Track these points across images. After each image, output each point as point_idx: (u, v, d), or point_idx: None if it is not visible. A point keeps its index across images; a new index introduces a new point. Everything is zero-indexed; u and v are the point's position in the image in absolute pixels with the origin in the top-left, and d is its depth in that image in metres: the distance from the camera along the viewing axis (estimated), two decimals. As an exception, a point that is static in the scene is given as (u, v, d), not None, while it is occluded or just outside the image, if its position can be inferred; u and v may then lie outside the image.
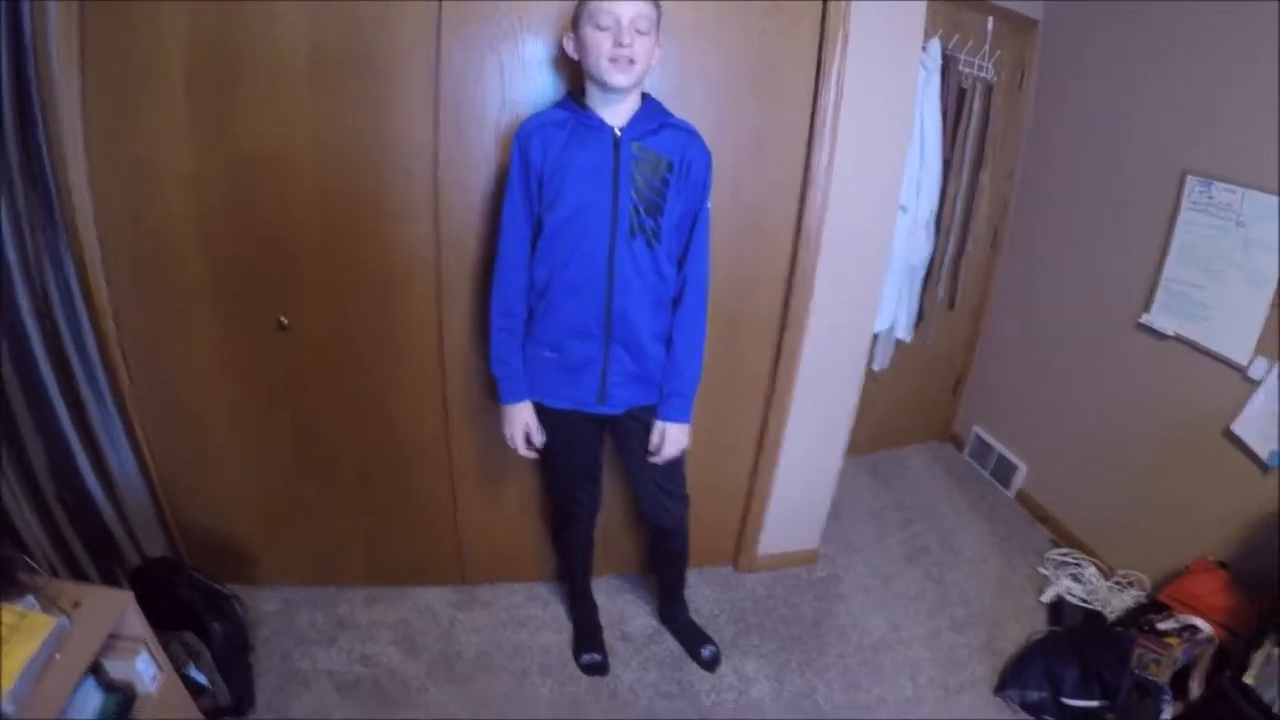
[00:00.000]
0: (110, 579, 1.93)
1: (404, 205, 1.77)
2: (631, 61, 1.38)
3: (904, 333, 2.73)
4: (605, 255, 1.51)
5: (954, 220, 2.76)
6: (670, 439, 1.70)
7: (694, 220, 1.59)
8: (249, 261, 1.81)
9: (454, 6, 1.59)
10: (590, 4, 1.37)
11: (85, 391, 1.83)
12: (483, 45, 1.64)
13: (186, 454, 2.03)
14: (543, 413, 1.71)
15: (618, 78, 1.39)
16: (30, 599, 1.38)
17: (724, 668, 2.08)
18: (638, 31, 1.36)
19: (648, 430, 1.72)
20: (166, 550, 2.08)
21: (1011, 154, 2.81)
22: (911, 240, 2.54)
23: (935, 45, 2.37)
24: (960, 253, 2.83)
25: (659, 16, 1.41)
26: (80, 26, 1.58)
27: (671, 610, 2.18)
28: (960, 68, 2.49)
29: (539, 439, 1.72)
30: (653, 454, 1.72)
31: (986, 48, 2.54)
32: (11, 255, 1.60)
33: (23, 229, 1.62)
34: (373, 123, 1.69)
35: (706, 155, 1.56)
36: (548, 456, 1.82)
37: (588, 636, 2.12)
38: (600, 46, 1.37)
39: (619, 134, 1.47)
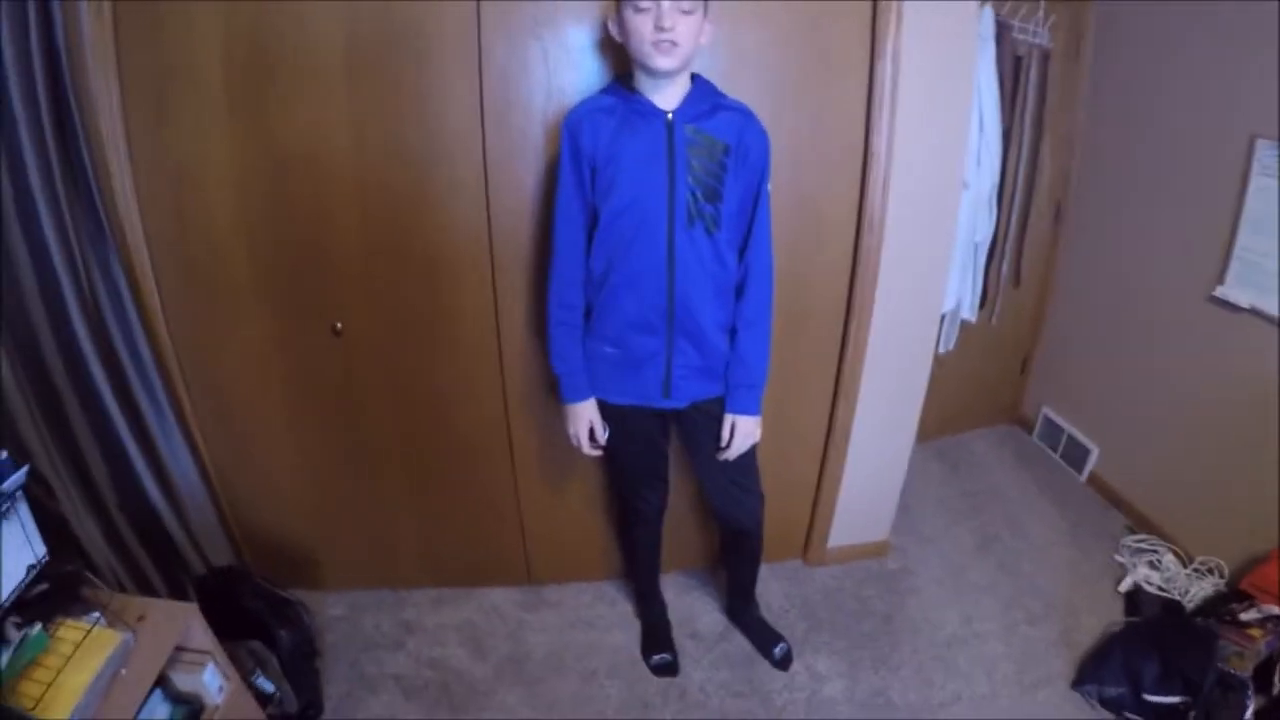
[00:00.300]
0: (177, 588, 1.93)
1: (451, 200, 1.73)
2: (675, 44, 1.31)
3: (969, 312, 2.64)
4: (664, 244, 1.45)
5: (1015, 194, 2.65)
6: (741, 432, 1.63)
7: (754, 205, 1.52)
8: (297, 263, 1.79)
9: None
10: None
11: (141, 399, 1.81)
12: (525, 31, 1.58)
13: (245, 459, 2.03)
14: (605, 409, 1.66)
15: (661, 61, 1.33)
16: (96, 615, 1.38)
17: (796, 666, 2.02)
18: (681, 12, 1.29)
19: (716, 424, 1.66)
20: (231, 557, 2.08)
21: (1072, 123, 2.69)
22: (974, 216, 2.44)
23: (988, 12, 2.26)
24: (1024, 227, 2.72)
25: None
26: (114, 31, 1.57)
27: (742, 608, 2.12)
28: (1015, 35, 2.38)
29: (603, 436, 1.67)
30: (723, 449, 1.66)
31: (1041, 13, 2.42)
32: (60, 266, 1.59)
33: (70, 239, 1.60)
34: (414, 116, 1.65)
35: (764, 137, 1.50)
36: (611, 454, 1.77)
37: (657, 636, 2.07)
38: (641, 30, 1.31)
39: (671, 118, 1.41)
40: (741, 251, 1.55)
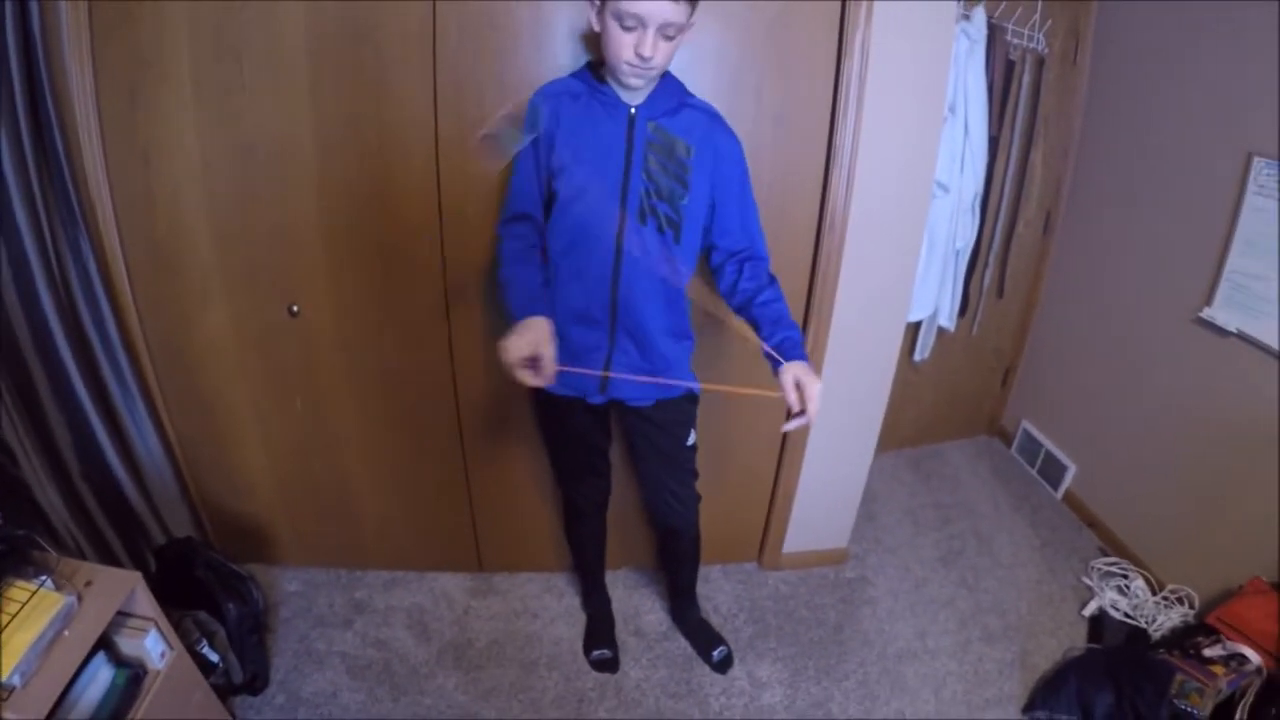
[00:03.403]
0: (137, 557, 2.00)
1: (405, 188, 1.74)
2: (651, 68, 1.28)
3: (947, 321, 2.58)
4: (613, 239, 1.42)
5: (1002, 202, 2.58)
6: (808, 380, 1.33)
7: (739, 203, 1.48)
8: (258, 246, 1.82)
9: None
10: None
11: (107, 374, 1.88)
12: (478, 24, 1.58)
13: (209, 435, 2.08)
14: (547, 400, 1.65)
15: (633, 81, 1.31)
16: (44, 578, 1.43)
17: (736, 670, 2.02)
18: (664, 38, 1.25)
19: (655, 426, 1.64)
20: (193, 530, 2.14)
21: (1065, 132, 2.60)
22: (955, 223, 2.39)
23: (980, 13, 2.20)
24: (1009, 237, 2.65)
25: (693, 8, 1.27)
26: (89, 19, 1.61)
27: (682, 609, 2.12)
28: (1008, 38, 2.31)
29: (551, 365, 1.29)
30: (798, 414, 1.34)
31: (1037, 17, 2.34)
32: (30, 246, 1.65)
33: (40, 221, 1.66)
34: (371, 105, 1.66)
35: (736, 143, 1.46)
36: (550, 446, 1.78)
37: (599, 631, 2.08)
38: (620, 47, 1.26)
39: (634, 113, 1.38)
40: (736, 251, 1.50)
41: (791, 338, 1.41)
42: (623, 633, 2.11)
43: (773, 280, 1.50)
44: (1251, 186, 1.97)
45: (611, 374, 1.54)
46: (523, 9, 1.57)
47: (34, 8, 1.55)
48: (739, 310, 1.50)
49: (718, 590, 2.27)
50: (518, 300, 1.40)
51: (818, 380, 1.34)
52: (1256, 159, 1.95)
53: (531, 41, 1.61)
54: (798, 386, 1.32)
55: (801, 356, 1.39)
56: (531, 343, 1.28)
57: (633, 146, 1.39)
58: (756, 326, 1.45)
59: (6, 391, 1.68)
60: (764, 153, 1.76)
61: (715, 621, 2.15)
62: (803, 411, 1.34)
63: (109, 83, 1.67)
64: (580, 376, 1.55)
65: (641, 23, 1.23)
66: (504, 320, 1.39)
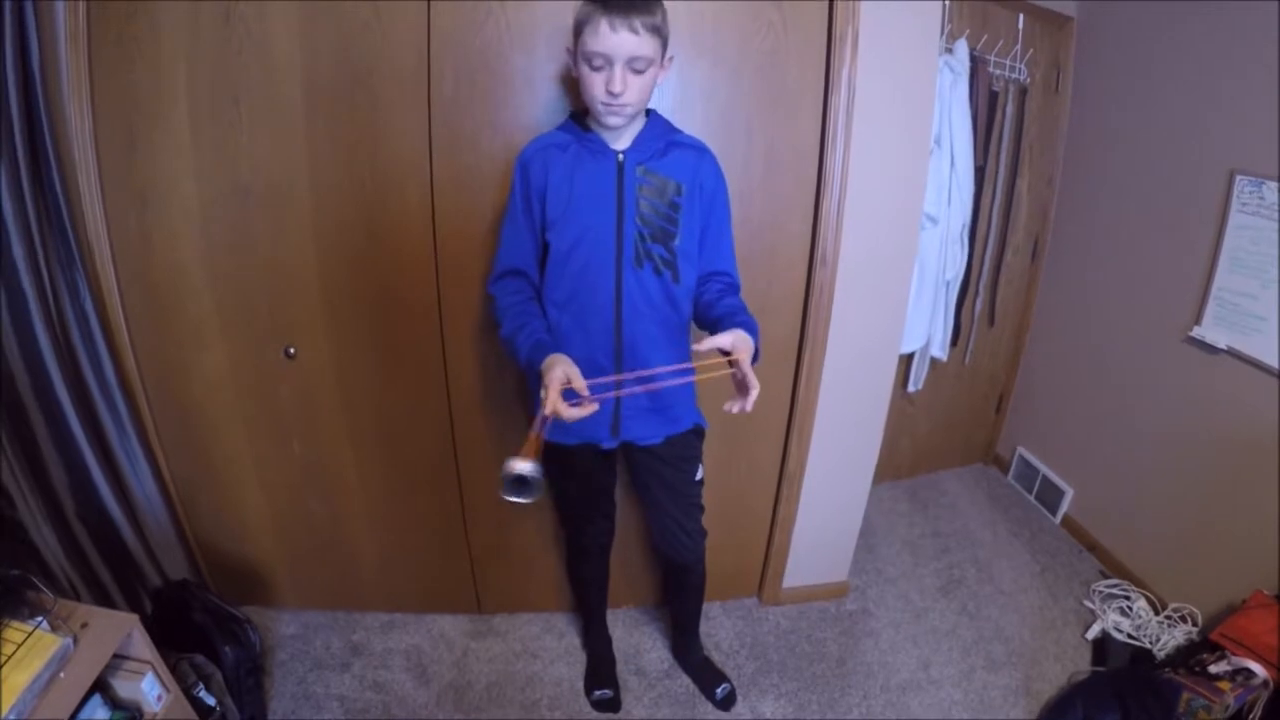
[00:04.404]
0: (133, 599, 1.98)
1: (400, 231, 1.76)
2: (625, 104, 1.30)
3: (940, 351, 2.60)
4: (612, 285, 1.43)
5: (990, 231, 2.62)
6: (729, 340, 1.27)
7: (717, 234, 1.49)
8: (254, 288, 1.83)
9: (442, 31, 1.58)
10: (584, 34, 1.26)
11: (104, 417, 1.88)
12: (471, 69, 1.62)
13: (206, 477, 2.07)
14: (551, 447, 1.62)
15: (610, 119, 1.33)
16: (40, 619, 1.43)
17: (740, 707, 1.99)
18: (634, 72, 1.27)
19: (663, 462, 1.63)
20: (189, 572, 2.12)
21: (1050, 159, 2.66)
22: (944, 254, 2.42)
23: (963, 46, 2.25)
24: (998, 265, 2.69)
25: (663, 43, 1.30)
26: (88, 61, 1.64)
27: (685, 646, 2.09)
28: (991, 69, 2.36)
29: (585, 389, 1.28)
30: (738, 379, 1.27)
31: (1018, 47, 2.41)
32: (28, 287, 1.67)
33: (38, 261, 1.68)
34: (367, 147, 1.69)
35: (720, 177, 1.48)
36: (557, 489, 1.77)
37: (600, 671, 2.06)
38: (593, 88, 1.29)
39: (622, 159, 1.39)
40: (706, 274, 1.50)
41: (733, 311, 1.37)
42: (624, 672, 2.09)
43: (737, 293, 1.50)
44: (1235, 204, 2.01)
45: (617, 393, 1.47)
46: (516, 54, 1.61)
47: (34, 49, 1.58)
48: (700, 319, 1.50)
49: (719, 627, 2.25)
50: (528, 350, 1.38)
51: (743, 339, 1.27)
52: (1239, 177, 1.99)
53: (525, 86, 1.64)
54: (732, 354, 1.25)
55: (743, 326, 1.31)
56: (562, 377, 1.26)
57: (623, 192, 1.40)
58: (715, 325, 1.40)
59: (3, 433, 1.68)
60: (755, 189, 1.79)
61: (717, 659, 2.13)
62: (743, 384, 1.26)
63: (107, 124, 1.70)
64: (590, 423, 1.45)
65: (608, 60, 1.25)
66: (499, 360, 1.37)
